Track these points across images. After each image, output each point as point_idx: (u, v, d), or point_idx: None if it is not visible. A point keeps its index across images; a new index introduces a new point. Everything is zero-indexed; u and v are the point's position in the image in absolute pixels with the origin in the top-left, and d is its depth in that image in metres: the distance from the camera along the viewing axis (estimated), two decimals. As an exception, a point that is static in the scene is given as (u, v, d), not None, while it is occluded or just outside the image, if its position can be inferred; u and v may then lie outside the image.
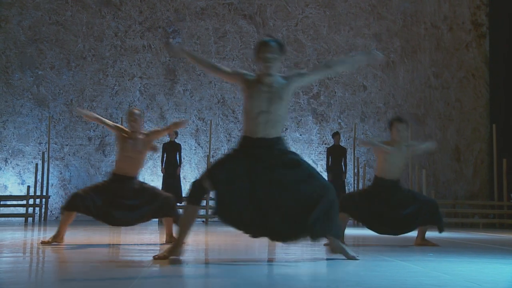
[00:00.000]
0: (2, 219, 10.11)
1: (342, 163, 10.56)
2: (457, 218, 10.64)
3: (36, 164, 10.38)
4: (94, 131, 11.20)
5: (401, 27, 11.94)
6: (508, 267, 3.66)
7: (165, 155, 10.43)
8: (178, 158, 10.45)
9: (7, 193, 10.82)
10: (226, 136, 11.47)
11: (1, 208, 10.33)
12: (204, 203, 9.54)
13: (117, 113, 11.11)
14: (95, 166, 11.11)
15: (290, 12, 11.81)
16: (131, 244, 5.18)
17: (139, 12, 11.59)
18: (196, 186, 3.57)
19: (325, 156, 10.90)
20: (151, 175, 11.17)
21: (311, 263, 3.73)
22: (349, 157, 11.00)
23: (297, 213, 3.53)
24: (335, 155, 10.56)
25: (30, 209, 9.96)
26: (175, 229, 4.77)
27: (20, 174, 11.05)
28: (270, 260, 3.94)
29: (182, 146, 10.70)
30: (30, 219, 9.84)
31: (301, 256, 4.02)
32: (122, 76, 11.46)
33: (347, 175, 10.84)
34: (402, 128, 5.25)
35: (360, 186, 10.58)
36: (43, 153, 10.44)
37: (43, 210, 10.17)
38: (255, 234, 3.61)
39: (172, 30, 11.61)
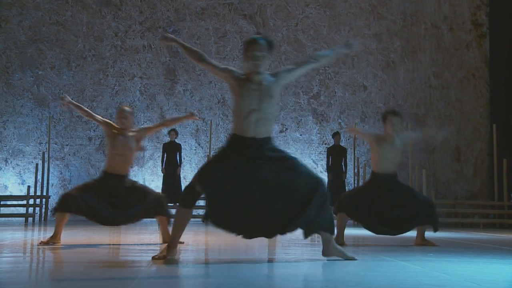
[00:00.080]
0: (2, 219, 10.11)
1: (342, 163, 10.56)
2: (457, 218, 10.64)
3: (36, 164, 10.38)
4: (94, 131, 11.20)
5: (401, 27, 11.94)
6: (508, 267, 3.66)
7: (165, 155, 10.44)
8: (178, 158, 10.46)
9: (7, 193, 10.82)
10: (226, 136, 11.46)
11: (1, 208, 10.33)
12: (204, 203, 9.53)
13: (117, 113, 11.11)
14: (96, 166, 11.11)
15: (290, 12, 11.81)
16: (131, 244, 5.18)
17: (139, 12, 11.59)
18: (188, 190, 3.57)
19: (325, 156, 10.90)
20: (151, 175, 11.17)
21: (311, 263, 3.73)
22: (349, 157, 11.00)
23: (291, 209, 3.51)
24: (335, 155, 10.56)
25: (30, 209, 9.96)
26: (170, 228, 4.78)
27: (20, 174, 11.06)
28: (270, 260, 3.94)
29: (182, 146, 10.71)
30: (30, 219, 9.84)
31: (301, 256, 4.02)
32: (122, 76, 11.47)
33: (347, 175, 10.84)
34: (396, 121, 5.18)
35: (360, 186, 10.58)
36: (43, 153, 10.44)
37: (43, 210, 10.17)
38: (248, 235, 3.58)
39: (172, 30, 11.61)
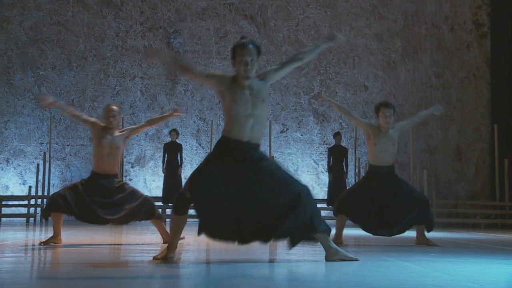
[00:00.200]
0: (4, 219, 10.11)
1: (343, 163, 10.56)
2: (459, 218, 10.63)
3: (38, 165, 10.39)
4: (95, 131, 11.20)
5: (402, 27, 11.94)
6: (510, 267, 3.65)
7: (166, 156, 10.44)
8: (179, 158, 10.46)
9: (9, 193, 10.83)
10: (227, 136, 11.46)
11: (3, 208, 10.34)
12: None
13: (118, 113, 11.11)
14: (96, 166, 11.10)
15: (291, 12, 11.81)
16: (132, 244, 5.18)
17: (140, 12, 11.60)
18: (179, 197, 3.58)
19: (326, 156, 10.90)
20: (152, 175, 11.17)
21: (312, 264, 3.73)
22: (350, 157, 11.00)
23: (270, 218, 3.51)
24: (336, 155, 10.56)
25: (32, 209, 9.97)
26: (166, 226, 4.78)
27: (21, 174, 11.06)
28: (271, 261, 3.94)
29: (183, 147, 10.71)
30: (31, 219, 9.85)
31: (302, 256, 4.02)
32: (123, 77, 11.47)
33: (348, 175, 10.84)
34: (389, 113, 5.15)
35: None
36: (45, 153, 10.45)
37: (44, 210, 10.17)
38: (243, 240, 3.56)
39: (173, 31, 11.62)
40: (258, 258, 4.12)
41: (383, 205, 5.11)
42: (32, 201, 10.04)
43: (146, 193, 10.84)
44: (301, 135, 11.59)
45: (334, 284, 2.78)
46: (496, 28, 11.80)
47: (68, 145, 11.21)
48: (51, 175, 10.57)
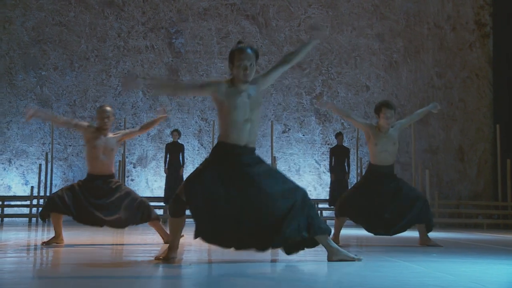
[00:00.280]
0: (6, 219, 10.13)
1: (345, 164, 10.55)
2: (461, 218, 10.62)
3: (40, 165, 10.40)
4: (97, 131, 11.21)
5: (404, 27, 11.92)
6: (512, 267, 3.65)
7: (168, 156, 10.45)
8: (181, 158, 10.46)
9: (11, 194, 10.85)
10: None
11: (5, 209, 10.35)
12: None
13: (120, 113, 11.12)
14: (98, 166, 11.12)
15: (293, 13, 11.81)
16: (134, 244, 5.18)
17: (142, 12, 11.61)
18: (175, 200, 3.57)
19: (328, 156, 10.90)
20: (154, 176, 11.18)
21: (314, 264, 3.73)
22: (352, 157, 10.99)
23: (267, 225, 3.50)
24: (338, 155, 10.55)
25: (34, 210, 9.98)
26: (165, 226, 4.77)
27: (23, 174, 11.08)
28: (273, 261, 3.94)
29: (185, 147, 10.71)
30: (33, 219, 9.86)
31: (304, 256, 4.02)
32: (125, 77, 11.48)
33: (350, 175, 10.83)
34: (390, 114, 5.14)
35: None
36: (47, 153, 10.46)
37: (46, 211, 10.18)
38: (240, 246, 3.56)
39: (175, 31, 11.63)
40: (260, 258, 4.12)
41: (383, 204, 5.11)
42: (34, 201, 10.05)
43: (148, 193, 10.96)
44: (303, 135, 11.59)
45: (335, 284, 2.77)
46: (498, 28, 11.78)
47: (70, 145, 11.22)
48: (53, 175, 10.58)
